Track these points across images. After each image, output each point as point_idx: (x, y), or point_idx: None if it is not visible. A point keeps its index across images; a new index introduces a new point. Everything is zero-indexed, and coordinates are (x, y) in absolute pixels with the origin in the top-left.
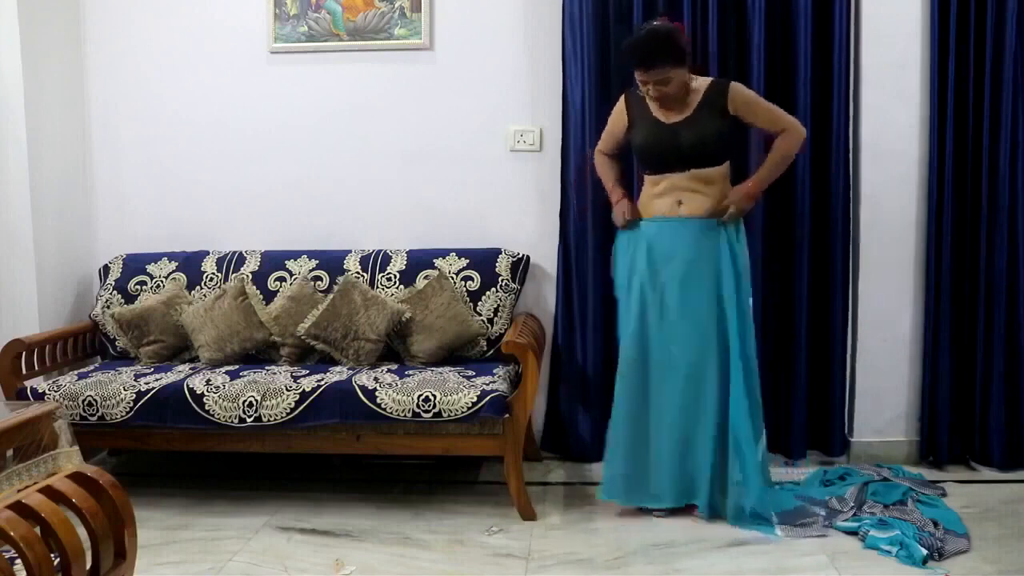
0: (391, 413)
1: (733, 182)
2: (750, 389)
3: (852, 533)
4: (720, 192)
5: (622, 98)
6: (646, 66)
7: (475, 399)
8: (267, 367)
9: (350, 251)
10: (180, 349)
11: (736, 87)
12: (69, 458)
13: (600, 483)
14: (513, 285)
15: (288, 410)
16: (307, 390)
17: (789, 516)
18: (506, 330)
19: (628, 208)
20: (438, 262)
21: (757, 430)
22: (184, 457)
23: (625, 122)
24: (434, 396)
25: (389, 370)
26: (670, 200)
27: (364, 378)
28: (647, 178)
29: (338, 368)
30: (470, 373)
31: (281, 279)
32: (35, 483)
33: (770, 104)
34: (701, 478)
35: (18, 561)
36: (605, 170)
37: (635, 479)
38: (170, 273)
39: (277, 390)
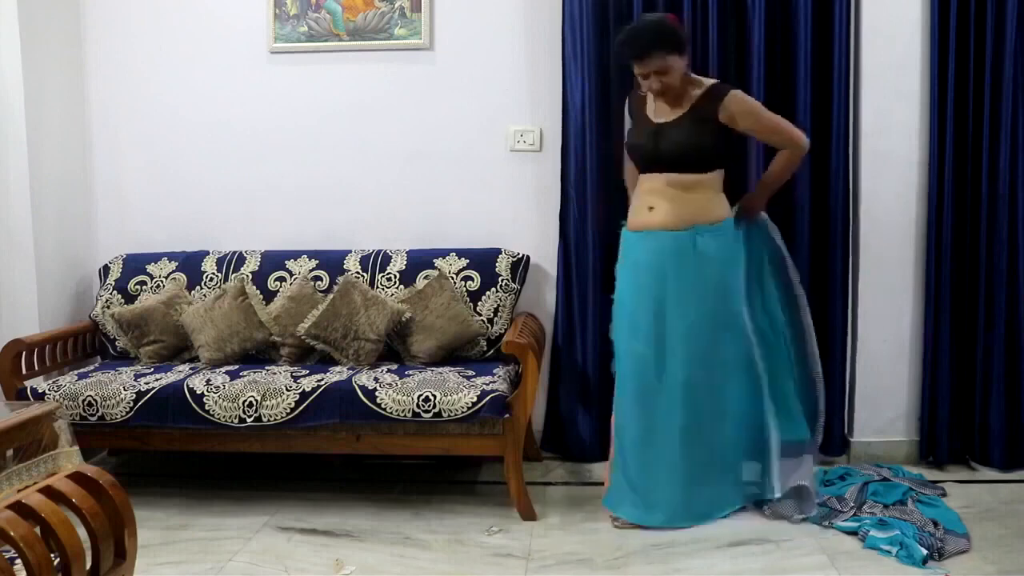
0: (391, 413)
1: (732, 190)
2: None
3: (852, 533)
4: (702, 201)
5: (626, 100)
6: (641, 55)
7: (475, 399)
8: (267, 367)
9: (350, 251)
10: (180, 349)
11: (735, 95)
12: (69, 458)
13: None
14: (513, 285)
15: (288, 410)
16: (307, 390)
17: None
18: (506, 330)
19: None
20: (438, 262)
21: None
22: (184, 457)
23: (629, 123)
24: (434, 396)
25: (389, 370)
26: (643, 205)
27: (364, 378)
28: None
29: (338, 368)
30: (470, 373)
31: (281, 279)
32: (35, 483)
33: (774, 116)
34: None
35: (18, 561)
36: (629, 179)
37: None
38: (170, 273)
39: (277, 390)
